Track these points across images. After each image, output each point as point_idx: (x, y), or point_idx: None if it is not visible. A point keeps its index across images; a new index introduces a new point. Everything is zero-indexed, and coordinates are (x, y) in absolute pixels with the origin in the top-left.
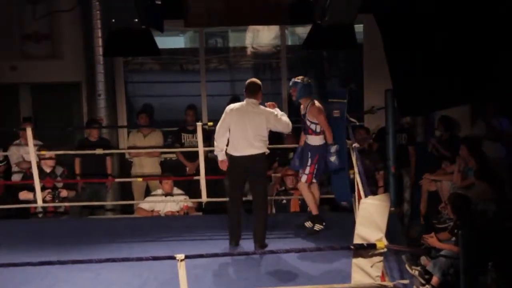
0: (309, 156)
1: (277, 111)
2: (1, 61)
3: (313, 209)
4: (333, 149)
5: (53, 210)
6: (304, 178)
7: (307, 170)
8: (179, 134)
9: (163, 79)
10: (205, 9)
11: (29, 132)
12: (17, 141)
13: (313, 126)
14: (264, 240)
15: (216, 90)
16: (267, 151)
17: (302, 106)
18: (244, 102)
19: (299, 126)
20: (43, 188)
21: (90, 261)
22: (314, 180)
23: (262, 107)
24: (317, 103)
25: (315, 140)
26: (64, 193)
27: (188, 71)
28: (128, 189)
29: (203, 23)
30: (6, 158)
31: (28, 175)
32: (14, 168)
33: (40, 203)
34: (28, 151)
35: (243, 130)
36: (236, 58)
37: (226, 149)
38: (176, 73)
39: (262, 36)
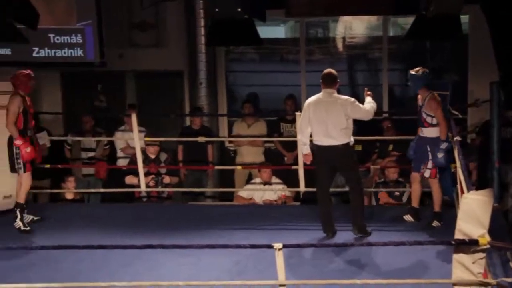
0: (428, 149)
1: (368, 99)
2: (109, 49)
3: (436, 205)
4: (444, 146)
5: (157, 195)
6: (427, 173)
7: (430, 164)
8: (278, 124)
9: (263, 68)
10: None
11: (134, 118)
12: (122, 127)
13: (429, 119)
14: (362, 225)
15: (316, 80)
16: (351, 141)
17: (420, 98)
18: (320, 94)
19: (400, 118)
20: (147, 174)
21: (190, 246)
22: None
23: (338, 95)
24: (436, 96)
25: (431, 132)
26: (167, 179)
27: (288, 61)
28: (228, 177)
29: (304, 13)
30: (109, 142)
31: (133, 160)
32: (119, 153)
33: (143, 188)
34: (132, 137)
35: (321, 121)
36: (337, 48)
37: (312, 142)
38: (275, 63)
39: (362, 26)
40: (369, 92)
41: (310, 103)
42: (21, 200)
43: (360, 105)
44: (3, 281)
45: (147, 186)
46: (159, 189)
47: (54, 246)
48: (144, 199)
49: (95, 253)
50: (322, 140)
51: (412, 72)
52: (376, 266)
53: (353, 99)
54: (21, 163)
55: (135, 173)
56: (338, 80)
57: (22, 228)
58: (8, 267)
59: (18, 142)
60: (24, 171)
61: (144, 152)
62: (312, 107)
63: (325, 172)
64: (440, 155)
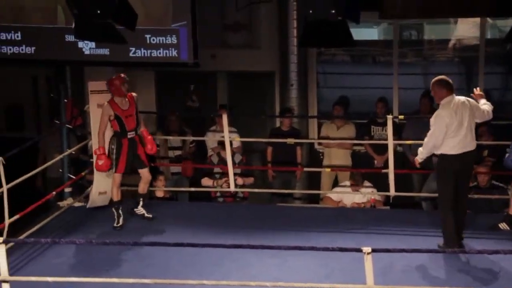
0: None
1: (482, 100)
2: (202, 50)
3: None
4: None
5: (232, 196)
6: None
7: None
8: (368, 127)
9: (354, 70)
10: (402, 1)
11: (224, 118)
12: (214, 127)
13: None
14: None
15: (408, 83)
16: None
17: None
18: (447, 102)
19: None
20: (222, 175)
21: (278, 248)
22: None
23: (460, 97)
24: None
25: None
26: (239, 181)
27: (380, 63)
28: (316, 179)
29: (399, 15)
30: (195, 140)
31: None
32: (210, 153)
33: (232, 188)
34: (223, 137)
35: (458, 129)
36: (431, 51)
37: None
38: (367, 65)
39: (458, 29)
40: (482, 93)
41: (447, 111)
42: (114, 197)
43: (482, 106)
44: (98, 275)
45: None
46: (244, 189)
47: (146, 242)
48: (220, 199)
49: (185, 250)
50: (457, 149)
51: None
52: (468, 274)
53: (481, 101)
54: (114, 164)
55: (212, 175)
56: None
57: (115, 225)
58: (103, 262)
59: (97, 150)
60: (116, 171)
61: (218, 153)
62: (450, 116)
63: (454, 183)
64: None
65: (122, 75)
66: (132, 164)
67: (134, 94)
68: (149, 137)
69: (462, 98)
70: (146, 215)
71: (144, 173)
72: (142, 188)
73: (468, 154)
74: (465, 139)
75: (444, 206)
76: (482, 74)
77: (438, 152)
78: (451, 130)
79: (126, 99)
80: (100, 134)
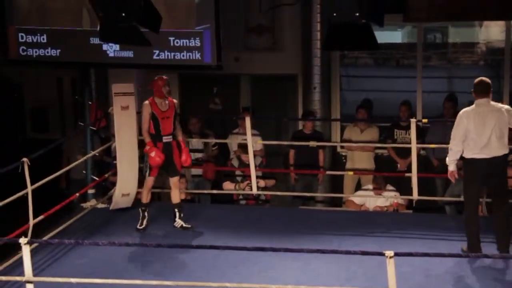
0: None
1: None
2: (226, 52)
3: None
4: None
5: (254, 199)
6: None
7: None
8: (391, 130)
9: (377, 73)
10: (427, 3)
11: (247, 121)
12: (236, 130)
13: None
14: (509, 246)
15: (432, 86)
16: (508, 151)
17: None
18: (477, 103)
19: None
20: (243, 177)
21: (300, 251)
22: None
23: (496, 103)
24: None
25: None
26: (261, 183)
27: (403, 66)
28: (338, 182)
29: (423, 17)
30: (218, 143)
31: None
32: (232, 155)
33: (255, 190)
34: (245, 140)
35: (482, 133)
36: (456, 54)
37: (462, 154)
38: (391, 68)
39: (483, 32)
40: None
41: (467, 114)
42: (144, 199)
43: None
44: (121, 276)
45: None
46: (266, 192)
47: (168, 244)
48: (242, 202)
49: (207, 253)
50: (481, 153)
51: None
52: (491, 279)
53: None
54: (148, 166)
55: (233, 179)
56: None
57: (138, 227)
58: (125, 264)
59: (146, 147)
60: (149, 175)
61: (238, 156)
62: (470, 119)
63: (478, 188)
64: None
65: (165, 76)
66: (165, 170)
67: (175, 100)
68: (186, 148)
69: (497, 104)
70: (184, 225)
71: (175, 180)
72: (174, 197)
73: (495, 160)
74: (489, 144)
75: (467, 209)
76: (508, 78)
77: (463, 155)
78: (473, 133)
79: (166, 102)
80: (144, 132)
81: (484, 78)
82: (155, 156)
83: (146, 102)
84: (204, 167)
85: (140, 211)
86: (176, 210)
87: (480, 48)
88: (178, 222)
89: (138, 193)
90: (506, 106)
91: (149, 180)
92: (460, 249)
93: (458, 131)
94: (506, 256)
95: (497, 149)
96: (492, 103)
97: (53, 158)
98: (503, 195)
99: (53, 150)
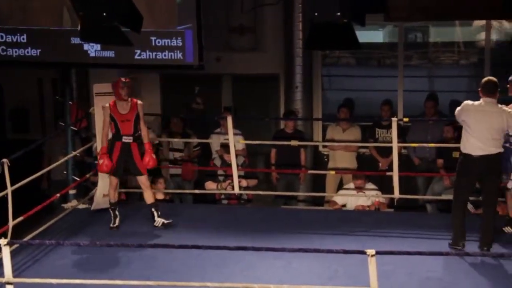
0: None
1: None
2: (207, 52)
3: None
4: None
5: (236, 199)
6: (510, 184)
7: None
8: (373, 129)
9: (359, 73)
10: (408, 3)
11: (229, 121)
12: (218, 130)
13: None
14: (491, 244)
15: (413, 85)
16: (502, 150)
17: None
18: (482, 101)
19: None
20: (225, 177)
21: (282, 250)
22: None
23: (501, 106)
24: None
25: None
26: (243, 183)
27: (385, 66)
28: (320, 181)
29: (404, 17)
30: (200, 144)
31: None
32: (214, 155)
33: (237, 190)
34: (227, 140)
35: (479, 131)
36: (437, 53)
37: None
38: (372, 67)
39: (464, 31)
40: None
41: (470, 108)
42: (111, 199)
43: None
44: (102, 277)
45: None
46: (248, 192)
47: (150, 244)
48: (224, 201)
49: (189, 252)
50: (475, 150)
51: None
52: (471, 277)
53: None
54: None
55: (215, 178)
56: (499, 88)
57: (111, 225)
58: (107, 264)
59: (99, 151)
60: (113, 174)
61: (221, 156)
62: (471, 113)
63: (469, 184)
64: None
65: (123, 79)
66: (128, 169)
67: (140, 102)
68: (149, 150)
69: (502, 107)
70: (165, 222)
71: (141, 180)
72: (147, 197)
73: (489, 157)
74: (485, 143)
75: (454, 203)
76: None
77: (461, 149)
78: (470, 128)
79: (128, 104)
80: (103, 135)
81: (491, 78)
82: (102, 164)
83: (106, 105)
84: (183, 167)
85: (110, 210)
86: (152, 209)
87: (460, 48)
88: (158, 221)
89: (119, 193)
90: (508, 109)
91: (113, 179)
92: (440, 248)
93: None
94: (488, 254)
95: (492, 148)
96: (497, 104)
97: (33, 159)
98: (494, 193)
99: (34, 151)
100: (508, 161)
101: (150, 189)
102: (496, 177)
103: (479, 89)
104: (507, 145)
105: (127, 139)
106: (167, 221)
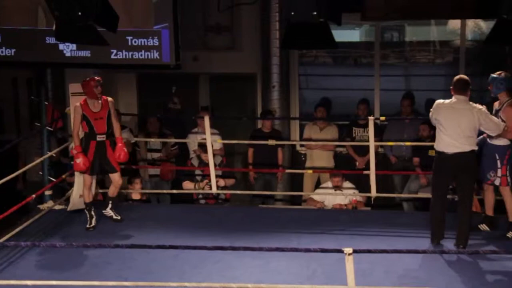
0: (497, 157)
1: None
2: (184, 52)
3: (511, 215)
4: None
5: (214, 198)
6: (497, 181)
7: (499, 172)
8: (350, 128)
9: (336, 72)
10: (384, 3)
11: (206, 120)
12: (195, 129)
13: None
14: (467, 241)
15: (390, 84)
16: (476, 148)
17: (498, 102)
18: (453, 99)
19: None
20: (203, 177)
21: (260, 249)
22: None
23: (471, 103)
24: None
25: (502, 140)
26: (221, 182)
27: (361, 65)
28: (298, 180)
29: (380, 16)
30: (176, 143)
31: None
32: (192, 155)
33: (214, 190)
34: (205, 139)
35: (451, 128)
36: (413, 52)
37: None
38: (349, 66)
39: (439, 30)
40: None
41: (441, 107)
42: (86, 199)
43: (492, 117)
44: (79, 278)
45: (202, 189)
46: (225, 191)
47: (127, 245)
48: (202, 201)
49: (167, 253)
50: (448, 148)
51: (494, 75)
52: (448, 274)
53: (485, 110)
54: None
55: (192, 178)
56: (470, 86)
57: (87, 226)
58: (83, 265)
59: (73, 151)
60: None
61: (199, 155)
62: (442, 111)
63: (445, 180)
64: None
65: (96, 77)
66: (103, 167)
67: (110, 99)
68: (120, 144)
69: (472, 104)
70: (114, 217)
71: (115, 177)
72: (112, 191)
73: (463, 155)
74: (458, 140)
75: (432, 200)
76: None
77: (435, 147)
78: (442, 126)
79: (99, 102)
80: (74, 134)
81: (463, 76)
82: (80, 163)
83: (77, 104)
84: (161, 167)
85: (86, 211)
86: (109, 201)
87: (436, 47)
88: (108, 212)
89: (96, 194)
90: (479, 107)
91: (86, 178)
92: (416, 246)
93: (431, 116)
94: (464, 251)
95: (465, 145)
96: (468, 102)
97: (8, 160)
98: (469, 190)
99: (9, 151)
100: (494, 159)
101: (118, 188)
102: (471, 175)
103: (451, 87)
104: (490, 141)
105: (101, 137)
106: (116, 217)
